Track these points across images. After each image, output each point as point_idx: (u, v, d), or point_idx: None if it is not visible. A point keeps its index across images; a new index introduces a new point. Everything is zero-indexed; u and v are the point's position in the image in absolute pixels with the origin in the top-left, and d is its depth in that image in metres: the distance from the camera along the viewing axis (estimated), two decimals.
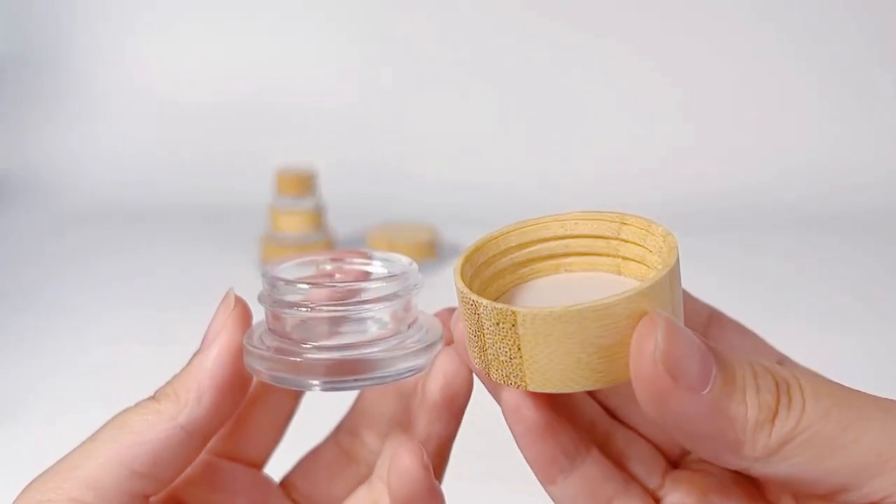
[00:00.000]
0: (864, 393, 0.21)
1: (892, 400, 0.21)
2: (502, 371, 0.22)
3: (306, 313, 0.25)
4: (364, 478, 0.28)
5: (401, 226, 0.90)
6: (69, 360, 0.68)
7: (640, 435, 0.26)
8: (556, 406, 0.23)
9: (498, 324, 0.21)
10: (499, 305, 0.21)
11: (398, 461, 0.24)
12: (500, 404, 0.23)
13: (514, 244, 0.25)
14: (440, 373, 0.25)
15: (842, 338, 0.68)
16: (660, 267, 0.22)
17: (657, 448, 0.26)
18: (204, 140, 1.16)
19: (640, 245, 0.24)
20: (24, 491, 0.24)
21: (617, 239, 0.24)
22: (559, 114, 1.19)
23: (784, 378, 0.21)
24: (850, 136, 1.16)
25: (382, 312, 0.25)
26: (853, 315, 0.75)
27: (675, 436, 0.21)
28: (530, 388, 0.21)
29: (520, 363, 0.21)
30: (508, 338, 0.21)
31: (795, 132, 1.17)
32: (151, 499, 0.25)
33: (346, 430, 0.29)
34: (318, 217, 0.86)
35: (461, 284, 0.22)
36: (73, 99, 1.20)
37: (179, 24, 1.22)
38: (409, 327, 0.26)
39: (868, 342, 0.68)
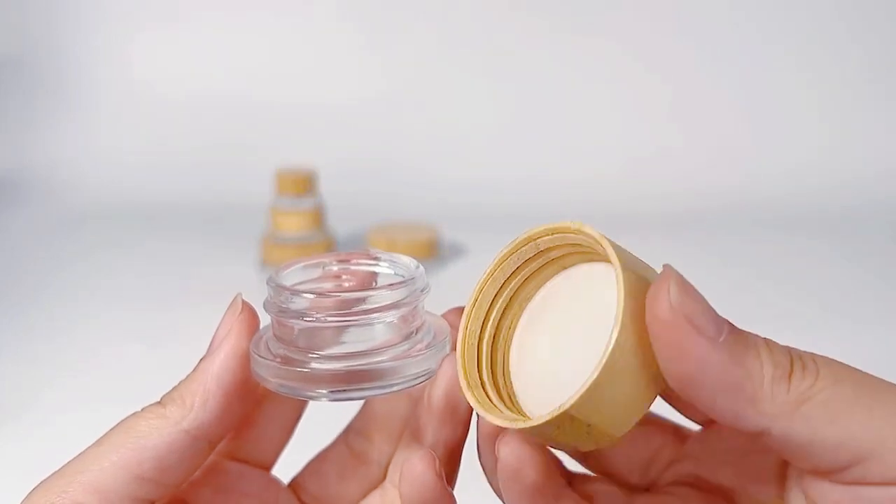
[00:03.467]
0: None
1: None
2: (588, 445, 0.22)
3: (312, 323, 0.24)
4: (374, 479, 0.28)
5: (401, 226, 0.90)
6: (69, 360, 0.68)
7: (601, 475, 0.28)
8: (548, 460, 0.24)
9: (559, 427, 0.21)
10: (548, 417, 0.21)
11: (410, 468, 0.24)
12: (493, 455, 0.24)
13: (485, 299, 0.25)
14: (444, 378, 0.25)
15: (847, 335, 0.69)
16: (611, 259, 0.22)
17: (621, 482, 0.28)
18: (204, 140, 1.16)
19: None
20: (29, 494, 0.24)
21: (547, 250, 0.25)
22: (559, 113, 1.19)
23: (796, 350, 0.21)
24: (847, 135, 1.16)
25: (390, 318, 0.25)
26: (862, 314, 0.75)
27: (696, 394, 0.21)
28: (618, 437, 0.22)
29: (595, 431, 0.22)
30: (576, 427, 0.21)
31: (789, 131, 1.17)
32: (157, 503, 0.25)
33: (356, 431, 0.29)
34: (318, 217, 0.86)
35: (502, 422, 0.23)
36: (73, 99, 1.20)
37: (179, 23, 1.22)
38: (416, 332, 0.26)
39: (872, 342, 0.68)
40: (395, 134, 1.17)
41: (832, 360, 0.21)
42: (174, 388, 0.25)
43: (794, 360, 0.21)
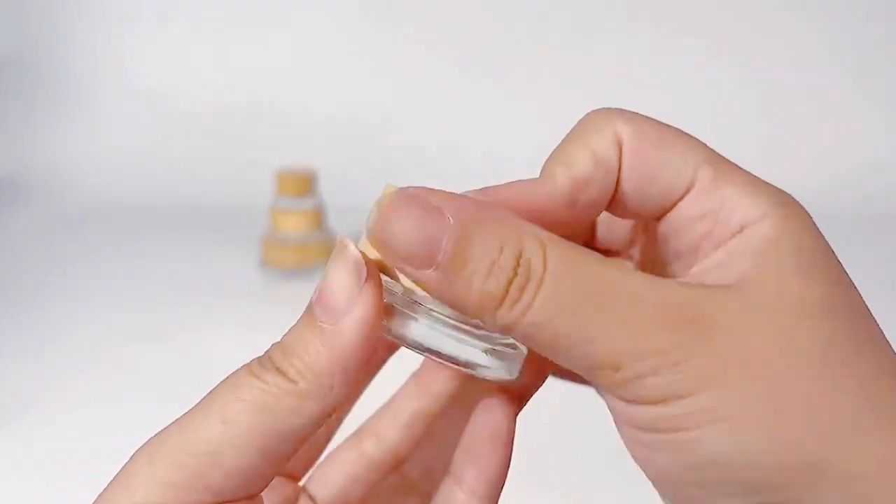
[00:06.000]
0: (625, 281, 0.20)
1: (658, 284, 0.20)
2: None
3: None
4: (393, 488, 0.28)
5: None
6: (69, 360, 0.68)
7: None
8: None
9: None
10: None
11: (486, 408, 0.23)
12: None
13: None
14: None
15: None
16: None
17: None
18: (204, 140, 1.17)
19: None
20: (142, 459, 0.20)
21: None
22: (560, 114, 1.19)
23: (528, 266, 0.20)
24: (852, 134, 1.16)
25: None
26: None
27: None
28: None
29: None
30: None
31: (788, 131, 1.17)
32: None
33: (368, 432, 0.28)
34: (318, 217, 0.86)
35: None
36: (73, 100, 1.20)
37: (180, 24, 1.22)
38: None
39: None
40: (396, 134, 1.17)
41: (571, 279, 0.20)
42: (292, 355, 0.21)
43: (509, 290, 0.20)
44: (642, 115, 0.23)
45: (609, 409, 0.22)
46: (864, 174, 1.12)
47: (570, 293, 0.20)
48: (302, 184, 0.85)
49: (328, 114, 1.18)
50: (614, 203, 0.23)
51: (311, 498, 0.28)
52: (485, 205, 0.21)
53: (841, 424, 0.19)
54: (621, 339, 0.20)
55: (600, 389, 0.21)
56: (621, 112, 0.23)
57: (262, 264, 0.86)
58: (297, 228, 0.85)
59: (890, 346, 0.21)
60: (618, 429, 0.22)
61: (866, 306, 0.21)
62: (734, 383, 0.19)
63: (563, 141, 0.24)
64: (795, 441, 0.19)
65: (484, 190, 0.23)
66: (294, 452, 0.21)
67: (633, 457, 0.22)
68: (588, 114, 0.24)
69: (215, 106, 1.19)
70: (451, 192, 0.21)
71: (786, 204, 0.21)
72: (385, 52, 1.22)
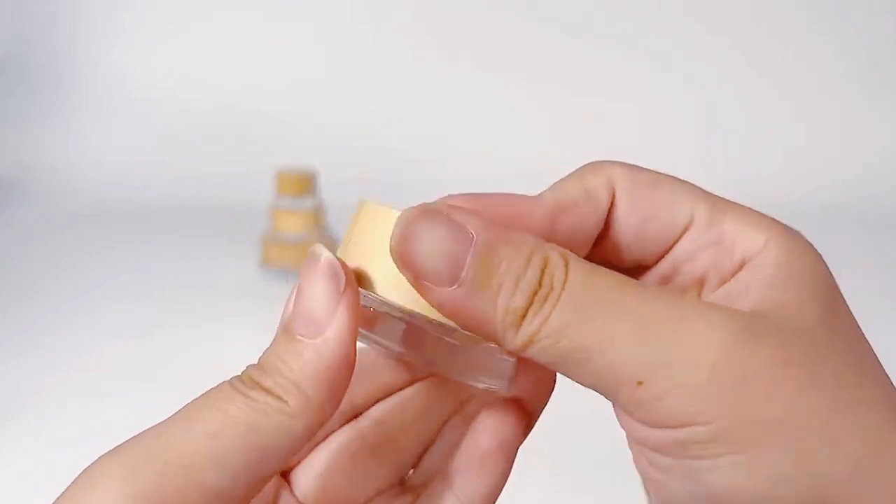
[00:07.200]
0: (650, 294, 0.20)
1: (673, 302, 0.20)
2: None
3: None
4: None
5: None
6: (69, 360, 0.68)
7: None
8: None
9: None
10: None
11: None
12: None
13: None
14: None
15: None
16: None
17: None
18: (204, 140, 1.16)
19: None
20: (113, 470, 0.19)
21: None
22: (562, 113, 1.19)
23: (551, 277, 0.19)
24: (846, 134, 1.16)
25: None
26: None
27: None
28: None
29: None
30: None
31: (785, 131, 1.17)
32: None
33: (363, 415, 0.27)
34: (318, 217, 0.86)
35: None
36: (72, 99, 1.20)
37: (179, 25, 1.22)
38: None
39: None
40: (396, 134, 1.17)
41: (589, 291, 0.20)
42: (275, 374, 0.20)
43: (534, 301, 0.19)
44: (637, 165, 0.23)
45: (623, 427, 0.21)
46: (867, 175, 1.12)
47: (590, 302, 0.19)
48: (302, 184, 0.85)
49: (328, 114, 1.18)
50: (611, 248, 0.23)
51: (291, 490, 0.26)
52: (505, 226, 0.20)
53: (868, 458, 0.19)
54: (643, 351, 0.19)
55: (620, 407, 0.21)
56: (616, 161, 0.24)
57: (262, 264, 0.85)
58: (297, 228, 0.85)
59: (883, 368, 0.21)
60: (631, 448, 0.22)
61: (860, 329, 0.21)
62: (757, 413, 0.19)
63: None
64: (820, 474, 0.19)
65: (472, 196, 0.23)
66: (275, 472, 0.20)
67: (643, 478, 0.22)
68: (586, 163, 0.24)
69: (215, 106, 1.19)
70: (471, 210, 0.20)
71: (785, 231, 0.22)
72: (385, 53, 1.22)
